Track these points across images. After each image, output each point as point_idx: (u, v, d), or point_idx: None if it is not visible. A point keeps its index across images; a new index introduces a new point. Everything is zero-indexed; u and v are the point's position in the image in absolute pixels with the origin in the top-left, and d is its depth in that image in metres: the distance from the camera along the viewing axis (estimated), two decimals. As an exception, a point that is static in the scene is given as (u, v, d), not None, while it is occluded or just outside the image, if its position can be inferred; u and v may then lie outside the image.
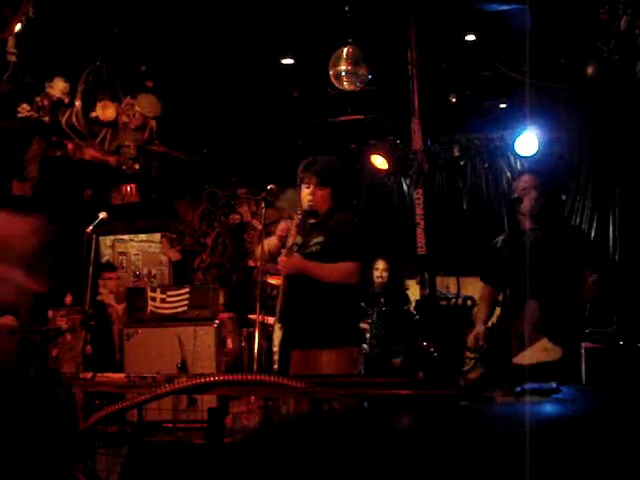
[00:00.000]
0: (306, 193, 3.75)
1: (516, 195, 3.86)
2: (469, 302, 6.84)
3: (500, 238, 4.04)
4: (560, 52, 5.65)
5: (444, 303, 6.86)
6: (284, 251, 3.64)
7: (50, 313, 6.40)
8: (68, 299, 6.74)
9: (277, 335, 3.73)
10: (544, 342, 3.60)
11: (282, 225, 3.86)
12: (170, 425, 5.58)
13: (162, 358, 5.72)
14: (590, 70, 5.35)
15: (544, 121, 6.29)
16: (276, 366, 3.82)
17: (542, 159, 6.27)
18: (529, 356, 3.60)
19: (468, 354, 6.56)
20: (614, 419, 1.05)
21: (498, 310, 4.13)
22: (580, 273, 3.70)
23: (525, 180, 3.89)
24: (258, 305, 3.70)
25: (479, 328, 3.87)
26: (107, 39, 5.66)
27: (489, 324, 4.01)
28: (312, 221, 3.83)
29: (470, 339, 3.89)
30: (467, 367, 6.32)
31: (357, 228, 3.79)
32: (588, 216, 7.02)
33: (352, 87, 5.47)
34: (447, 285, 7.07)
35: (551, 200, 3.95)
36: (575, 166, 7.06)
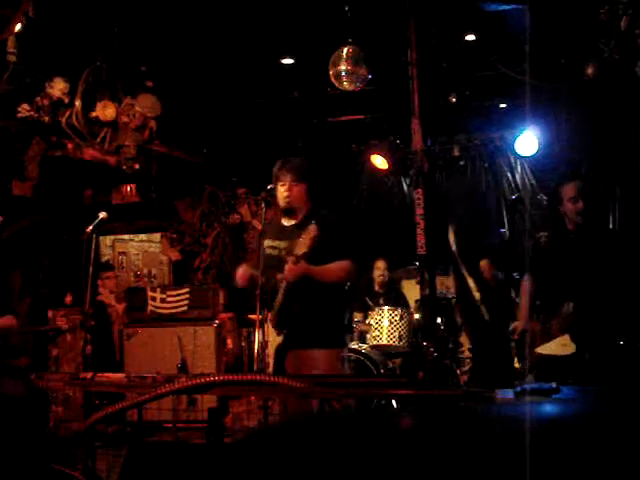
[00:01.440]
0: (282, 190, 3.78)
1: (566, 208, 3.85)
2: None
3: (543, 234, 4.08)
4: (560, 52, 5.65)
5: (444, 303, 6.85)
6: (291, 259, 3.58)
7: (50, 313, 6.40)
8: (68, 299, 6.74)
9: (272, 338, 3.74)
10: (564, 338, 3.74)
11: (241, 273, 3.87)
12: (170, 425, 5.58)
13: (162, 358, 5.72)
14: (590, 70, 5.36)
15: (544, 121, 6.30)
16: (270, 369, 3.82)
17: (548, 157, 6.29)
18: (548, 348, 3.77)
19: (467, 353, 6.56)
20: (614, 419, 1.05)
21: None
22: (622, 280, 3.77)
23: (572, 188, 3.88)
24: (258, 305, 3.69)
25: (525, 324, 3.92)
26: (107, 39, 5.66)
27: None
28: (292, 222, 3.84)
29: (516, 332, 3.95)
30: (466, 367, 6.32)
31: (344, 227, 3.85)
32: (588, 216, 7.02)
33: (352, 87, 5.47)
34: (447, 285, 7.07)
35: (595, 207, 4.00)
36: (575, 166, 7.06)
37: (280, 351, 3.76)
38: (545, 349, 3.79)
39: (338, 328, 3.85)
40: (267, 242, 3.89)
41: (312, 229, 3.54)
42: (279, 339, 3.78)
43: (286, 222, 3.88)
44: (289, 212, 3.84)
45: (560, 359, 3.71)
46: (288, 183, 3.78)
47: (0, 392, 3.48)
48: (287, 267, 3.60)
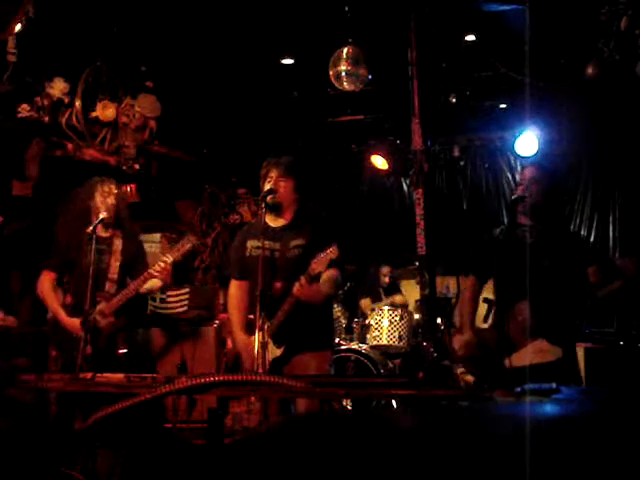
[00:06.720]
0: (269, 186, 3.74)
1: (519, 191, 3.76)
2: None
3: (496, 230, 3.90)
4: (560, 52, 5.65)
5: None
6: (305, 277, 3.51)
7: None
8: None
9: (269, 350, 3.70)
10: (541, 343, 3.53)
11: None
12: (170, 425, 5.58)
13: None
14: (590, 70, 5.35)
15: (544, 121, 6.30)
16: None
17: (547, 158, 6.26)
18: (524, 358, 3.50)
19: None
20: (614, 420, 1.05)
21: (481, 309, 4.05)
22: (577, 276, 3.68)
23: (530, 171, 3.79)
24: (258, 305, 3.69)
25: (471, 337, 3.78)
26: (107, 39, 5.66)
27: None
28: (281, 222, 3.81)
29: (463, 348, 3.82)
30: (461, 370, 6.31)
31: (337, 230, 3.88)
32: (588, 216, 7.03)
33: (352, 87, 5.47)
34: (447, 285, 7.08)
35: (553, 197, 3.88)
36: (575, 166, 7.06)
37: (278, 362, 3.72)
38: (518, 360, 3.45)
39: (329, 331, 3.98)
40: (251, 242, 3.82)
41: (333, 251, 3.45)
42: (275, 350, 3.72)
43: (272, 222, 3.81)
44: (275, 209, 3.76)
45: (545, 367, 3.44)
46: (275, 178, 3.74)
47: (10, 397, 3.48)
48: (299, 285, 3.54)
